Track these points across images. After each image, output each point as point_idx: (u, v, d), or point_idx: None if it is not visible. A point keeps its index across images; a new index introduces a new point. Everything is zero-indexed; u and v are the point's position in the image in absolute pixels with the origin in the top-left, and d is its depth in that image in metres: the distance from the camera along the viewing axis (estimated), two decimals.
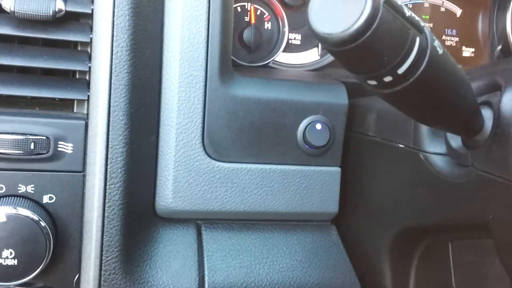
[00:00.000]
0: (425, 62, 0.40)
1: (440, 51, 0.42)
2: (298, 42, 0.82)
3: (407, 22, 0.39)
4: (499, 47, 0.91)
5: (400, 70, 0.40)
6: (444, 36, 0.92)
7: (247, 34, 0.76)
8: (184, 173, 0.62)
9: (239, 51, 0.77)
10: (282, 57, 0.80)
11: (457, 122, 0.48)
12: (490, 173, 0.48)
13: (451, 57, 0.44)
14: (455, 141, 0.55)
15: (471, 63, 0.93)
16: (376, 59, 0.38)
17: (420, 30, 0.40)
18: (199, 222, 0.67)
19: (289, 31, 0.80)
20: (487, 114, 0.50)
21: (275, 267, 0.66)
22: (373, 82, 0.41)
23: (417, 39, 0.39)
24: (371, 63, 0.39)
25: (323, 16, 0.38)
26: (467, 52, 0.93)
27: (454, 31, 0.92)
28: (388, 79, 0.40)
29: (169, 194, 0.62)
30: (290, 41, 0.81)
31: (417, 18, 0.40)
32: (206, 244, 0.65)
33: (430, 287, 0.62)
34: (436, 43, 0.41)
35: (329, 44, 0.37)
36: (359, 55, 0.38)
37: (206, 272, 0.63)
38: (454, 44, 0.93)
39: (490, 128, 0.49)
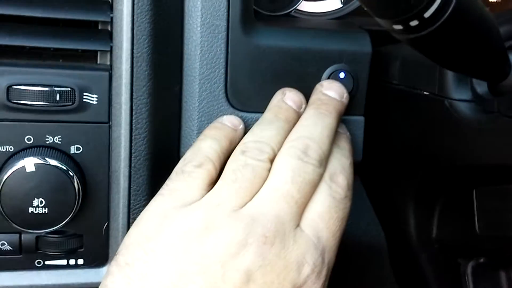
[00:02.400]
0: (452, 5, 0.40)
1: None
2: None
3: None
4: None
5: (427, 14, 0.39)
6: None
7: None
8: (208, 123, 0.63)
9: (261, 0, 0.76)
10: (304, 5, 0.79)
11: (484, 67, 0.48)
12: None
13: (479, 0, 0.43)
14: (481, 87, 0.54)
15: (499, 8, 0.91)
16: (403, 2, 0.38)
17: None
18: None
19: None
20: None
21: None
22: (399, 27, 0.41)
23: None
24: (397, 6, 0.38)
25: None
26: None
27: None
28: (414, 23, 0.40)
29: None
30: None
31: None
32: None
33: (453, 233, 0.63)
34: None
35: None
36: None
37: None
38: None
39: None
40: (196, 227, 0.49)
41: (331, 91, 0.62)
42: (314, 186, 0.53)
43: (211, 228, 0.49)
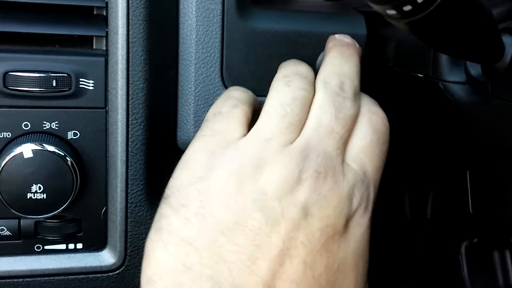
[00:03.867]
0: None
1: None
2: None
3: None
4: None
5: None
6: None
7: None
8: (204, 107, 0.63)
9: None
10: None
11: (477, 50, 0.48)
12: (509, 100, 0.48)
13: None
14: (475, 69, 0.54)
15: None
16: None
17: None
18: None
19: None
20: (507, 41, 0.50)
21: None
22: (393, 12, 0.41)
23: None
24: None
25: None
26: None
27: None
28: (407, 8, 0.40)
29: (190, 128, 0.63)
30: None
31: None
32: None
33: (448, 214, 0.63)
34: None
35: None
36: None
37: None
38: None
39: (510, 56, 0.49)
40: (248, 164, 0.49)
41: (347, 39, 0.62)
42: (355, 121, 0.54)
43: (263, 164, 0.49)
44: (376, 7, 0.42)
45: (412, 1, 0.39)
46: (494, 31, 0.48)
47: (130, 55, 0.58)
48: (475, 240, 0.64)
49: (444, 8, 0.40)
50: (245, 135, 0.53)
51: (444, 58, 0.56)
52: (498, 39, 0.49)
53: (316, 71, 0.65)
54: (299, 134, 0.52)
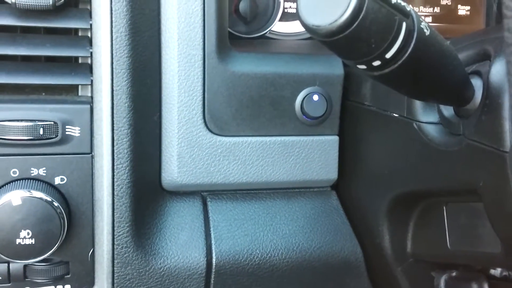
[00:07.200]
0: (412, 44, 0.42)
1: (427, 32, 0.43)
2: (294, 10, 0.83)
3: (393, 8, 0.40)
4: (495, 6, 0.91)
5: (388, 55, 0.41)
6: None
7: (243, 6, 0.78)
8: (187, 148, 0.65)
9: (236, 22, 0.78)
10: (278, 26, 0.81)
11: (447, 95, 0.50)
12: (479, 141, 0.50)
13: (438, 36, 0.45)
14: (447, 110, 0.56)
15: (467, 21, 0.93)
16: (364, 46, 0.40)
17: (406, 14, 0.41)
18: (204, 194, 0.70)
19: (284, 0, 0.81)
20: (477, 83, 0.52)
21: (278, 233, 0.69)
22: (363, 67, 0.43)
23: (404, 24, 0.41)
24: (359, 50, 0.41)
25: (312, 8, 0.39)
26: (463, 10, 0.94)
27: None
28: (376, 63, 0.42)
29: (174, 169, 0.65)
30: (285, 10, 0.82)
31: (403, 3, 0.41)
32: (211, 214, 0.68)
33: (426, 248, 0.65)
34: (423, 24, 0.43)
35: (318, 36, 0.39)
36: (348, 44, 0.40)
37: (213, 242, 0.66)
38: (450, 3, 0.93)
39: (480, 98, 0.51)
40: None
41: None
42: None
43: None
44: (347, 62, 0.44)
45: (380, 57, 0.41)
46: (463, 76, 0.50)
47: (115, 102, 0.60)
48: (454, 273, 0.66)
49: (412, 61, 0.43)
50: None
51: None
52: (466, 83, 0.51)
53: (295, 111, 0.67)
54: None
